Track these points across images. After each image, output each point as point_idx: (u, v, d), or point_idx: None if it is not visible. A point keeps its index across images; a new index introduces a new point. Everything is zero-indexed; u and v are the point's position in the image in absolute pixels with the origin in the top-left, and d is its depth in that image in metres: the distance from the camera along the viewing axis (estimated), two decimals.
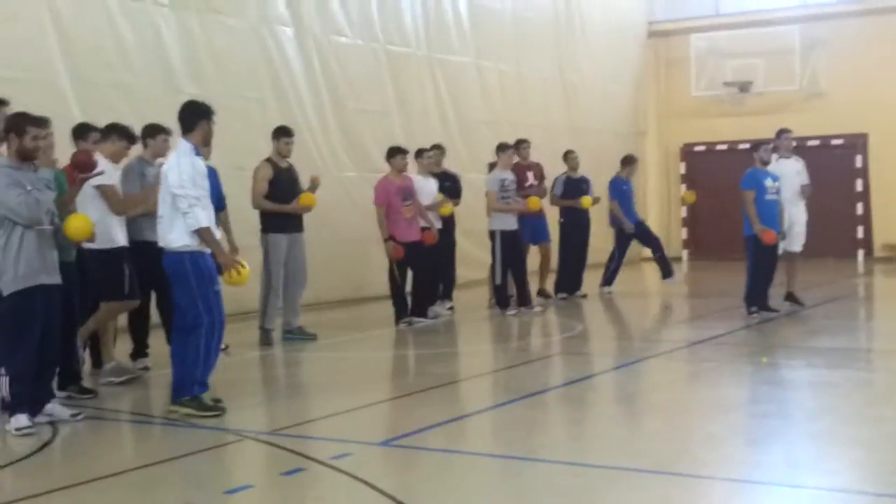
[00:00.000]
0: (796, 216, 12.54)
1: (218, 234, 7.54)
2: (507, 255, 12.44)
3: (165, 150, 9.00)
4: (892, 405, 7.43)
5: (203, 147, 7.43)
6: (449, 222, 12.81)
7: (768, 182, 11.78)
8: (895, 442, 6.33)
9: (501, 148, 12.69)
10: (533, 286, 13.49)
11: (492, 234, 12.53)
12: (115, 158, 8.69)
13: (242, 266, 7.28)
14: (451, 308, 12.90)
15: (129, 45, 12.05)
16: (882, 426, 6.68)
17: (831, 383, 8.28)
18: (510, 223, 12.50)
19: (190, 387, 7.19)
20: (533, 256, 14.24)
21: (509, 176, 12.55)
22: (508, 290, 12.67)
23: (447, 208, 12.46)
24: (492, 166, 13.42)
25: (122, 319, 9.32)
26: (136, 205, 8.66)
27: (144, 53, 12.22)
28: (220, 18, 13.13)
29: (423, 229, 11.98)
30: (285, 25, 14.04)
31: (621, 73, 21.63)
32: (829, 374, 8.65)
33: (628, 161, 15.15)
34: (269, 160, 10.76)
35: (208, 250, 7.27)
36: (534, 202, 12.72)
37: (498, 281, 12.54)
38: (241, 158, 12.64)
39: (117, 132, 8.76)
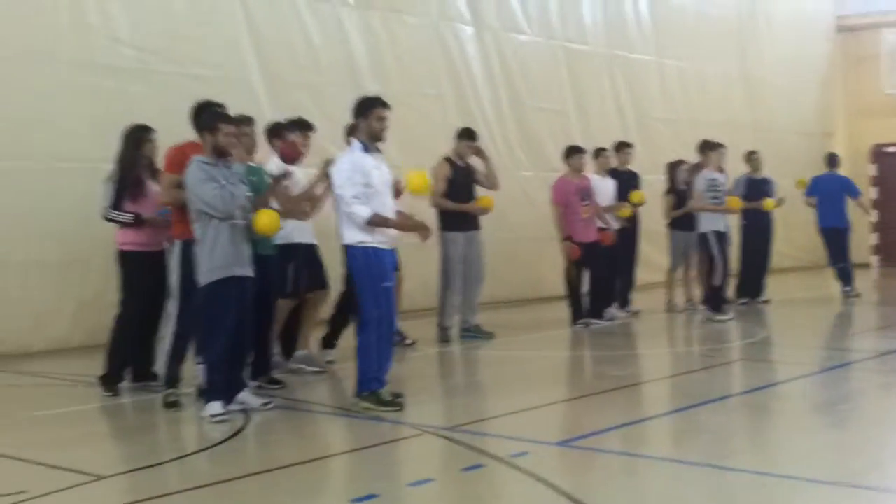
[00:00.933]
0: None
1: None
2: (725, 256, 12.15)
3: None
4: None
5: (372, 142, 7.40)
6: (633, 223, 12.66)
7: None
8: None
9: (710, 147, 12.34)
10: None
11: (703, 237, 12.23)
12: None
13: (426, 228, 7.55)
14: (636, 311, 12.78)
15: (316, 44, 12.44)
16: None
17: None
18: (720, 224, 12.18)
19: (368, 382, 7.32)
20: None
21: (719, 176, 12.23)
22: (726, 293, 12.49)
23: (626, 211, 12.30)
24: (671, 166, 13.21)
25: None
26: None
27: (330, 52, 12.59)
28: (402, 17, 13.39)
29: (601, 230, 11.88)
30: (465, 23, 14.19)
31: (808, 69, 20.91)
32: None
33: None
34: (447, 159, 10.86)
35: (384, 246, 7.32)
36: (735, 202, 12.37)
37: (717, 282, 12.18)
38: (421, 156, 12.83)
39: (293, 125, 8.98)
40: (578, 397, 8.28)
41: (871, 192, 21.22)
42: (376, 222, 7.21)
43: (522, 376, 9.13)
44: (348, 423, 7.21)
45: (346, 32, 12.79)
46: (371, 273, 7.25)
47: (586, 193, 11.72)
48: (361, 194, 7.18)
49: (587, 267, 11.69)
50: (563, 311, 12.04)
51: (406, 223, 7.54)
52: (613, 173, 12.62)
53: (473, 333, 10.86)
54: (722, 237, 12.22)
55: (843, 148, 21.71)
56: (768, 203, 13.68)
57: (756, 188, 13.82)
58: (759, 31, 19.79)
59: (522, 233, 14.48)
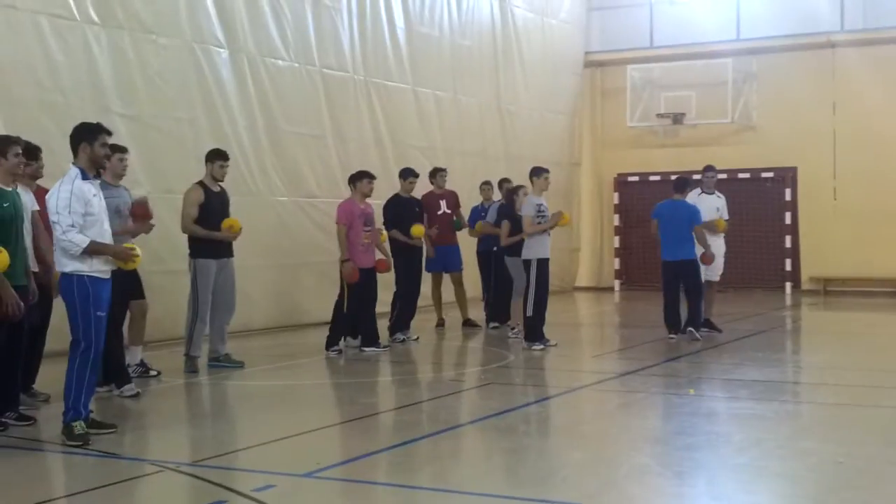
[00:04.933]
0: (715, 248, 13.05)
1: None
2: (543, 286, 12.00)
3: (122, 169, 9.28)
4: (817, 438, 7.50)
5: (93, 170, 7.37)
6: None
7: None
8: (819, 474, 6.38)
9: (536, 172, 12.26)
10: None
11: (527, 263, 12.04)
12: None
13: (135, 251, 7.45)
14: (416, 338, 12.86)
15: (59, 63, 11.81)
16: (807, 459, 6.74)
17: (758, 415, 8.34)
18: (545, 251, 12.04)
19: (66, 412, 7.19)
20: (447, 286, 14.27)
21: (544, 202, 12.17)
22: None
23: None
24: (510, 192, 13.32)
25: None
26: None
27: (75, 73, 11.99)
28: (153, 38, 12.94)
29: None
30: (219, 47, 13.89)
31: (557, 102, 21.77)
32: (756, 407, 8.72)
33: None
34: (200, 183, 10.60)
35: (103, 276, 7.25)
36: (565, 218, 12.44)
37: (530, 312, 11.97)
38: (171, 181, 12.50)
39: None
40: (328, 426, 8.20)
41: (615, 220, 22.36)
42: (93, 250, 7.15)
43: (271, 406, 8.96)
44: (83, 461, 6.84)
45: (91, 52, 12.22)
46: (86, 301, 7.17)
47: (370, 220, 11.68)
48: (85, 223, 7.14)
49: (362, 293, 11.59)
50: (317, 337, 11.95)
51: (121, 251, 7.43)
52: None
53: (223, 363, 10.59)
54: (548, 264, 12.15)
55: (589, 177, 22.80)
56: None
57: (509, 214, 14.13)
58: (513, 64, 20.42)
59: (277, 259, 14.30)
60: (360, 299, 11.63)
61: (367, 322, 11.85)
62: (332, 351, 11.57)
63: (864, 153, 20.23)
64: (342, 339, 11.82)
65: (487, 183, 14.79)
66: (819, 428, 8.03)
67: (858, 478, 6.29)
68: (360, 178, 11.80)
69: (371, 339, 11.82)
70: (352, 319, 11.78)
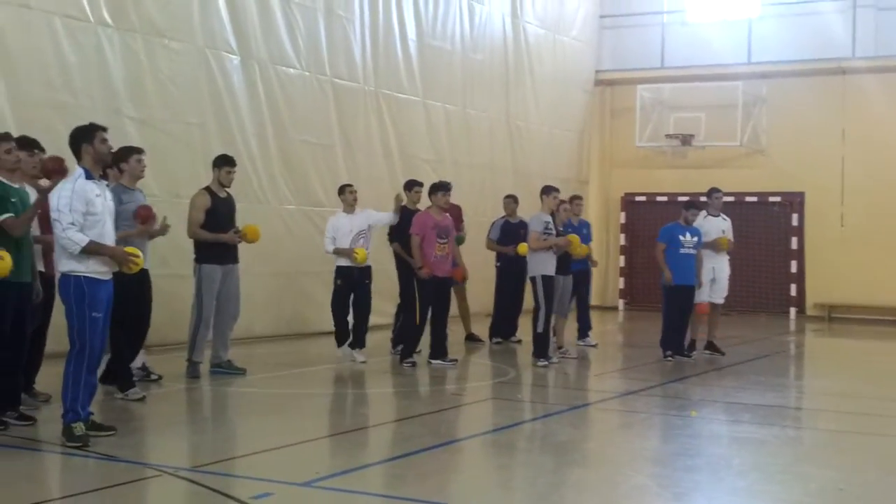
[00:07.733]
0: (719, 270, 13.23)
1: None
2: (552, 302, 12.01)
3: (141, 171, 9.35)
4: (818, 463, 7.47)
5: (96, 167, 7.39)
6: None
7: (685, 237, 12.56)
8: (820, 500, 6.35)
9: (546, 191, 12.32)
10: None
11: (532, 280, 12.07)
12: None
13: (136, 256, 7.40)
14: (419, 350, 12.35)
15: (70, 64, 11.83)
16: (807, 484, 6.71)
17: (760, 440, 8.30)
18: (550, 268, 12.01)
19: (66, 413, 7.20)
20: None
21: (550, 218, 12.19)
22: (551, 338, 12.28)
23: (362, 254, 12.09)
24: None
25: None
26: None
27: (86, 74, 12.01)
28: (165, 42, 12.96)
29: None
30: (231, 53, 13.91)
31: (567, 119, 21.77)
32: (757, 431, 8.68)
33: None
34: (207, 189, 10.61)
35: (102, 276, 7.25)
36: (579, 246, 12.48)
37: (540, 329, 11.96)
38: (179, 185, 12.50)
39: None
40: (328, 436, 8.18)
41: (621, 239, 22.34)
42: (91, 250, 7.14)
43: (272, 414, 8.95)
44: (82, 463, 6.83)
45: (103, 54, 12.24)
46: (82, 302, 7.17)
47: (444, 231, 11.65)
48: (86, 222, 7.14)
49: (435, 301, 11.62)
50: (319, 347, 11.95)
51: (119, 253, 7.39)
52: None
53: (224, 369, 10.57)
54: (554, 281, 12.12)
55: (597, 196, 22.78)
56: (522, 247, 13.76)
57: (512, 231, 14.09)
58: (524, 80, 20.42)
59: (283, 267, 14.28)
60: (432, 309, 11.68)
61: (438, 334, 11.80)
62: (407, 363, 11.54)
63: (873, 180, 20.19)
64: (415, 351, 11.85)
65: (511, 196, 14.62)
66: (820, 454, 7.99)
67: None
68: (435, 191, 11.82)
69: (440, 351, 11.76)
70: (413, 331, 11.82)
